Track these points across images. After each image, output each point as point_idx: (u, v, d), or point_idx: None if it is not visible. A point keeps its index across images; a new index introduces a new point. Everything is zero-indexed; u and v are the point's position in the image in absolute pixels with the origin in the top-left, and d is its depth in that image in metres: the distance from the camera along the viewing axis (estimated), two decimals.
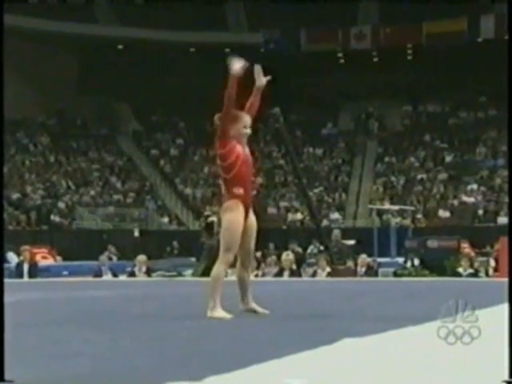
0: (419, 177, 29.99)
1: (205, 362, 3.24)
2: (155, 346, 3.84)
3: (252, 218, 5.38)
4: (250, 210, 5.36)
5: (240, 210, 5.26)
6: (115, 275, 14.00)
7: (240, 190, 5.28)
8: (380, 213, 26.56)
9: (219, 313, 5.12)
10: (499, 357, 2.90)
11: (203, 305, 5.26)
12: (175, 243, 23.75)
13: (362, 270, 13.43)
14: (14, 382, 2.82)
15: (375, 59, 34.39)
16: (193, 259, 17.97)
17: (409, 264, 15.43)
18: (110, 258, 19.00)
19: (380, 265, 15.45)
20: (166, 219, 28.30)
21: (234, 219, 5.26)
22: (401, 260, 16.72)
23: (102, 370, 3.10)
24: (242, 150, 5.39)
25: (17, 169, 28.81)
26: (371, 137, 33.45)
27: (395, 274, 14.28)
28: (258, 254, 18.10)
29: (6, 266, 16.88)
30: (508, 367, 2.75)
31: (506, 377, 2.72)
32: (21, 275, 13.48)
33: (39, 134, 31.67)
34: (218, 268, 5.29)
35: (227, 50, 33.65)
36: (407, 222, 25.11)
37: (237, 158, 5.33)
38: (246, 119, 5.45)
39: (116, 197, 28.73)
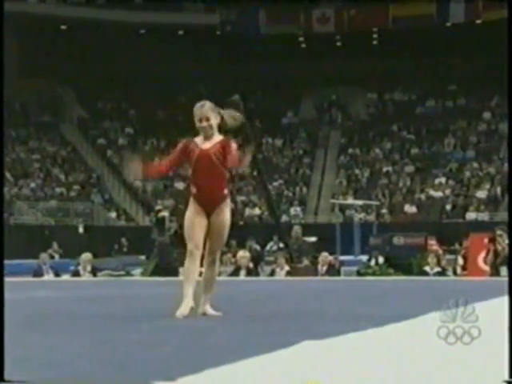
0: (385, 169, 30.30)
1: (152, 367, 3.23)
2: (100, 351, 3.82)
3: (216, 216, 5.41)
4: (214, 208, 5.40)
5: (192, 208, 5.41)
6: (57, 275, 13.89)
7: (193, 189, 5.44)
8: (343, 208, 26.78)
9: (180, 309, 5.19)
10: (499, 357, 2.98)
11: (154, 305, 5.24)
12: (123, 240, 23.64)
13: (323, 268, 13.52)
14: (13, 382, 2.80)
15: (339, 43, 34.61)
16: (142, 257, 17.89)
17: (373, 262, 15.58)
18: (52, 257, 18.82)
19: (343, 263, 15.57)
20: (113, 214, 28.13)
21: (186, 217, 5.45)
22: (365, 258, 16.89)
23: (45, 376, 3.08)
24: (196, 146, 5.40)
25: None
26: (334, 126, 33.68)
27: (358, 273, 14.41)
28: None
29: None
30: (508, 367, 2.84)
31: (506, 377, 2.81)
32: None
33: None
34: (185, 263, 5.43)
35: (181, 32, 33.60)
36: (371, 217, 25.36)
37: (190, 155, 5.40)
38: (197, 112, 5.41)
39: (59, 190, 28.45)
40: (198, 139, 5.45)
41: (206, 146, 5.39)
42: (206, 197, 5.39)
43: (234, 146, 5.43)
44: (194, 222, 5.37)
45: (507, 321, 3.09)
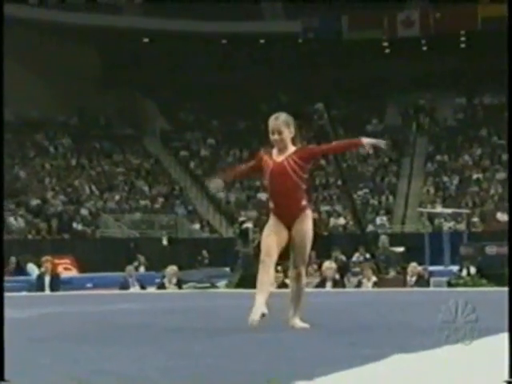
0: (475, 176, 29.69)
1: (241, 381, 3.22)
2: (185, 364, 3.84)
3: (296, 228, 5.41)
4: (293, 220, 5.40)
5: (272, 221, 5.46)
6: (143, 287, 14.07)
7: (271, 204, 5.50)
8: (431, 217, 26.35)
9: (251, 316, 5.20)
10: (499, 357, 2.97)
11: (239, 318, 5.25)
12: (204, 252, 23.80)
13: (412, 279, 13.33)
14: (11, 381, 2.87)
15: (424, 48, 34.15)
16: (227, 269, 18.02)
17: (464, 272, 15.27)
18: (138, 269, 19.12)
19: (432, 274, 15.31)
20: (197, 226, 28.41)
21: (264, 229, 5.54)
22: (455, 268, 16.55)
23: None
24: (270, 159, 5.43)
25: (36, 173, 29.16)
26: (421, 133, 33.22)
27: (449, 284, 14.15)
28: None
29: (26, 278, 17.11)
30: (508, 367, 2.84)
31: (506, 377, 2.81)
32: (42, 288, 13.62)
33: (60, 135, 32.01)
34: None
35: (262, 40, 33.80)
36: (462, 226, 24.85)
37: (265, 168, 5.45)
38: (270, 124, 5.43)
39: (143, 202, 28.93)
40: (274, 151, 5.47)
41: (280, 158, 5.40)
42: (284, 211, 5.40)
43: (310, 146, 5.57)
44: (270, 233, 5.40)
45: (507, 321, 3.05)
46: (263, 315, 5.19)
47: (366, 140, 5.46)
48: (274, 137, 5.40)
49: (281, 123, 5.40)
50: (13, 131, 31.05)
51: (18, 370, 3.75)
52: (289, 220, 5.39)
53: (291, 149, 5.42)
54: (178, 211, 28.77)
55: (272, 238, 5.36)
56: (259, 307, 5.21)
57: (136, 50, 32.93)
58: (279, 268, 13.58)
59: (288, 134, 5.40)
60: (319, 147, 5.69)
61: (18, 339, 5.16)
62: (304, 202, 5.42)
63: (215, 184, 5.80)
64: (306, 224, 5.43)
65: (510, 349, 2.91)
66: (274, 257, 5.35)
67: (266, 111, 27.96)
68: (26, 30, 30.46)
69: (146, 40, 33.35)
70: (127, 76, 32.87)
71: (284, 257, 5.58)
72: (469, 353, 3.30)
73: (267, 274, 5.33)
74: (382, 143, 5.61)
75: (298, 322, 5.46)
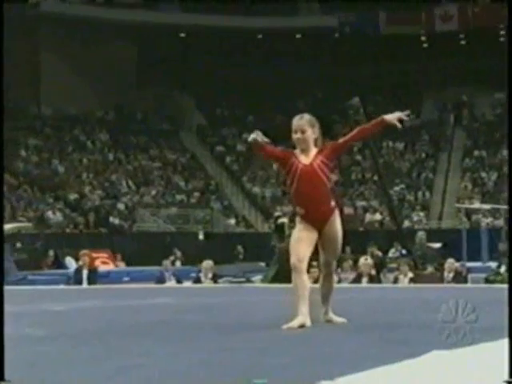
0: None
1: (278, 376, 3.22)
2: (221, 359, 3.84)
3: (327, 230, 5.31)
4: (324, 223, 5.29)
5: (301, 225, 5.30)
6: (179, 281, 14.13)
7: (301, 211, 5.32)
8: (469, 212, 26.10)
9: (289, 324, 5.12)
10: (499, 357, 2.98)
11: (274, 313, 5.25)
12: (239, 247, 23.81)
13: (449, 275, 13.21)
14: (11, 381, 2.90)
15: (463, 42, 33.79)
16: (262, 264, 18.00)
17: (503, 269, 15.08)
18: (174, 263, 19.21)
19: (470, 270, 15.16)
20: (232, 221, 28.47)
21: (293, 233, 5.40)
22: (493, 265, 16.37)
23: None
24: (297, 159, 5.29)
25: (74, 168, 29.44)
26: (459, 128, 32.89)
27: (487, 281, 13.98)
28: None
29: (63, 271, 17.30)
30: (508, 367, 2.86)
31: (506, 377, 2.82)
32: (79, 281, 13.74)
33: (97, 131, 32.27)
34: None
35: (298, 35, 33.71)
36: (500, 222, 24.59)
37: (292, 169, 5.29)
38: (294, 123, 5.33)
39: (179, 197, 29.06)
40: (298, 152, 5.32)
41: (307, 160, 5.26)
42: (314, 216, 5.27)
43: (332, 142, 5.39)
44: (300, 237, 5.27)
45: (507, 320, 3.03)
46: (303, 326, 5.08)
47: (388, 117, 5.32)
48: (297, 135, 5.28)
49: (305, 122, 5.30)
50: (52, 126, 31.40)
51: (62, 363, 3.79)
52: (320, 224, 5.29)
53: (314, 150, 5.29)
54: (214, 206, 28.84)
55: (304, 244, 5.23)
56: (303, 318, 5.10)
57: (173, 45, 33.05)
58: (315, 263, 13.55)
59: (311, 133, 5.28)
60: (343, 139, 5.38)
61: (56, 332, 5.22)
62: (333, 203, 5.31)
63: (256, 135, 5.48)
64: (337, 224, 5.34)
65: (510, 349, 2.91)
66: (305, 262, 5.23)
67: (302, 107, 27.92)
68: (66, 26, 30.74)
69: (183, 35, 33.44)
70: (164, 71, 33.00)
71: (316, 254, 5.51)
72: (468, 353, 3.29)
73: (302, 281, 5.19)
74: (404, 114, 5.38)
75: (334, 317, 5.43)
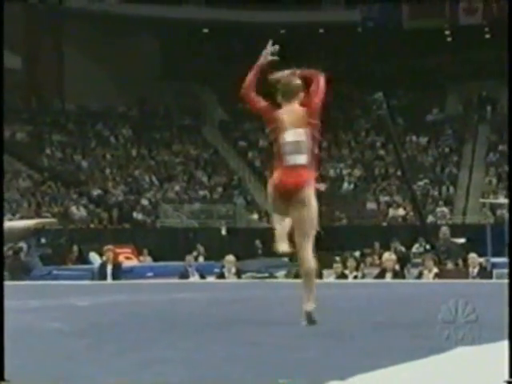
0: None
1: (302, 371, 3.22)
2: (244, 353, 3.85)
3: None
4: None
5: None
6: (203, 277, 14.17)
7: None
8: (493, 207, 25.92)
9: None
10: (499, 357, 2.98)
11: (299, 308, 5.24)
12: (257, 242, 23.68)
13: (474, 270, 13.13)
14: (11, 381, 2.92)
15: (487, 35, 33.51)
16: (285, 259, 17.99)
17: None
18: (197, 258, 19.26)
19: (495, 265, 15.06)
20: (255, 216, 28.46)
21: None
22: None
23: (189, 377, 3.14)
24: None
25: (97, 163, 29.58)
26: (483, 122, 32.64)
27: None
28: (357, 253, 17.99)
29: (88, 266, 17.40)
30: (508, 367, 2.86)
31: (506, 377, 2.83)
32: (104, 277, 13.82)
33: (120, 126, 32.40)
34: None
35: (321, 30, 33.61)
36: None
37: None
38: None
39: (202, 192, 29.11)
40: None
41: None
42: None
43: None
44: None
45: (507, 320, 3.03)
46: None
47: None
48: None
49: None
50: (75, 122, 31.57)
51: (86, 356, 3.82)
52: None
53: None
54: (237, 201, 28.86)
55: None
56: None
57: (196, 40, 33.08)
58: (337, 258, 13.52)
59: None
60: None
61: (82, 326, 5.25)
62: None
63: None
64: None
65: (510, 349, 2.91)
66: None
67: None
68: (89, 22, 30.89)
69: (205, 30, 33.47)
70: (187, 66, 33.05)
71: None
72: (469, 353, 3.29)
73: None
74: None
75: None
